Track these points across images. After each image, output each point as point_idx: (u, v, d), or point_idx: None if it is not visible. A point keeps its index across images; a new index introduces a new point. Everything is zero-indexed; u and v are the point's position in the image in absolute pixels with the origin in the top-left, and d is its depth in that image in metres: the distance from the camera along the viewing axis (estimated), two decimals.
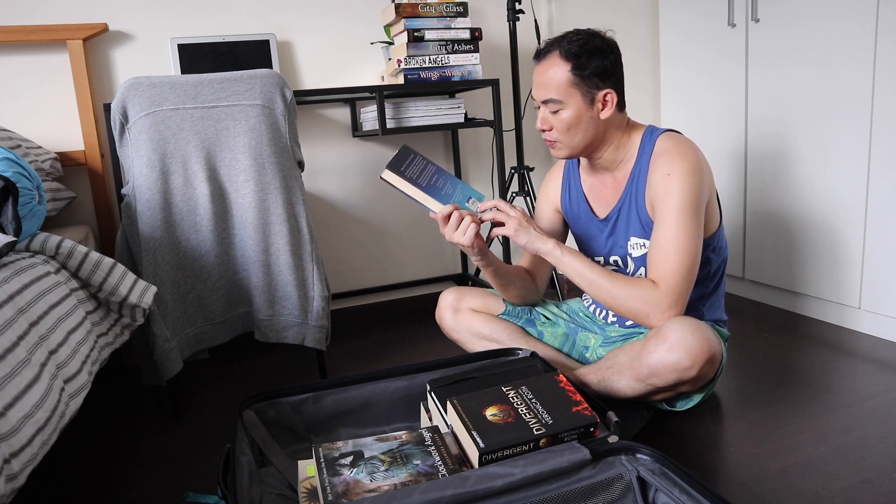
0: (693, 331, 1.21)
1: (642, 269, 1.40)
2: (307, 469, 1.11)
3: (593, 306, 1.55)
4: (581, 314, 1.57)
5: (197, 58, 2.00)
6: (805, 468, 1.18)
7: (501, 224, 1.34)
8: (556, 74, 1.31)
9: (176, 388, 1.63)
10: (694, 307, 1.42)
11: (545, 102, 1.33)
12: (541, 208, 1.59)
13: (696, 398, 1.34)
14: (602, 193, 1.45)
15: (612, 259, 1.45)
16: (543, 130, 1.36)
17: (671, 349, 1.21)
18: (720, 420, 1.40)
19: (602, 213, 1.45)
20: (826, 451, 1.23)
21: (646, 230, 1.36)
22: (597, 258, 1.48)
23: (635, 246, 1.39)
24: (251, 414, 1.24)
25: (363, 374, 1.33)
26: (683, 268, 1.25)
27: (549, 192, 1.57)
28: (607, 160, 1.40)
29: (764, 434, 1.32)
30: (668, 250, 1.26)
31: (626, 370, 1.29)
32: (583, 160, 1.49)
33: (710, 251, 1.40)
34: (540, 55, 1.35)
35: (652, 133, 1.36)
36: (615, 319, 1.48)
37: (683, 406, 1.36)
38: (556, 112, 1.32)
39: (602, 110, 1.33)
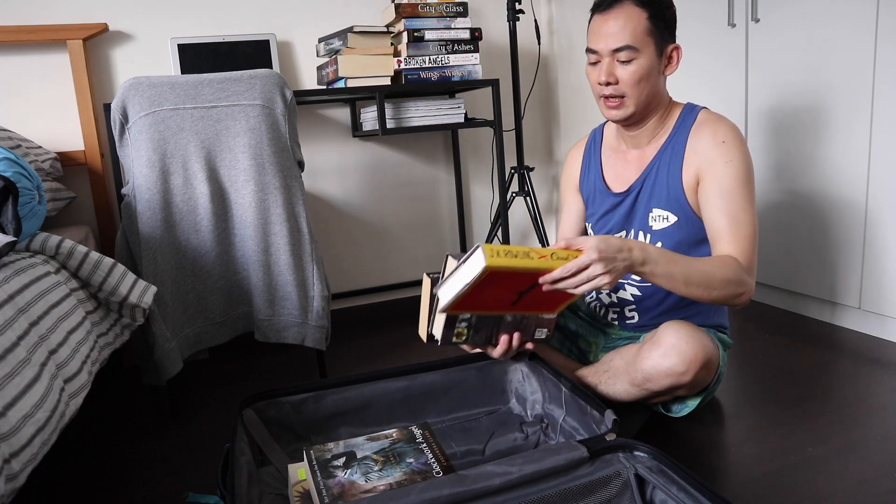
0: (688, 337, 1.20)
1: (660, 244, 1.36)
2: (297, 473, 1.10)
3: (595, 304, 1.54)
4: (581, 313, 1.56)
5: (197, 58, 2.00)
6: (805, 468, 1.18)
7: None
8: (633, 20, 1.23)
9: (176, 388, 1.63)
10: (697, 309, 1.41)
11: (618, 51, 1.24)
12: (565, 192, 1.55)
13: (692, 404, 1.33)
14: (623, 169, 1.41)
15: (633, 234, 1.41)
16: (606, 84, 1.27)
17: (665, 355, 1.21)
18: (720, 420, 1.40)
19: (620, 187, 1.41)
20: (826, 451, 1.23)
21: (670, 201, 1.32)
22: (618, 234, 1.43)
23: (657, 218, 1.35)
24: (251, 413, 1.25)
25: (363, 374, 1.33)
26: (755, 241, 1.23)
27: (571, 174, 1.53)
28: (646, 132, 1.35)
29: (764, 434, 1.32)
30: (744, 220, 1.22)
31: (621, 374, 1.29)
32: (610, 129, 1.46)
33: None
34: (607, 4, 1.26)
35: (692, 109, 1.34)
36: (615, 317, 1.47)
37: (679, 412, 1.35)
38: (627, 62, 1.24)
39: (668, 65, 1.30)
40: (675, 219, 1.33)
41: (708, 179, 1.26)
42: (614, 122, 1.35)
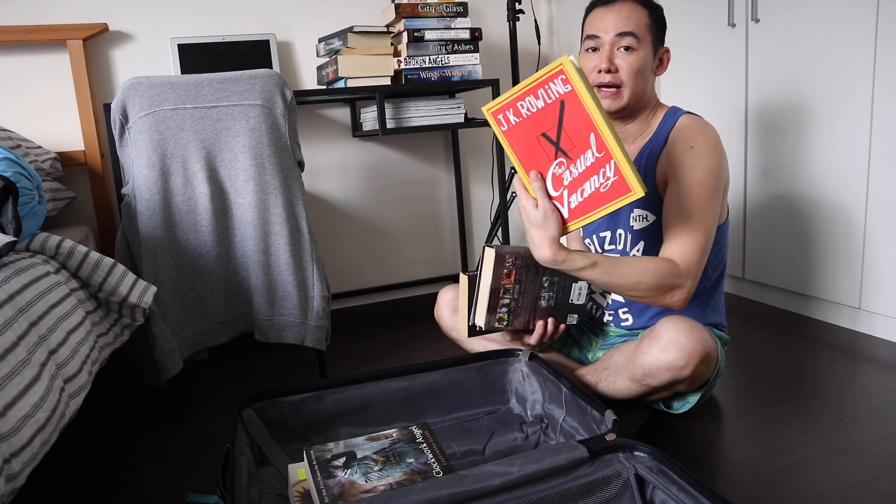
0: (686, 331, 1.21)
1: (641, 245, 1.37)
2: (297, 473, 1.10)
3: (591, 305, 1.54)
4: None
5: (197, 58, 2.00)
6: (805, 468, 1.18)
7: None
8: (637, 13, 1.27)
9: (176, 388, 1.63)
10: (693, 308, 1.41)
11: (622, 35, 1.26)
12: None
13: (693, 400, 1.33)
14: None
15: (617, 232, 1.42)
16: (607, 71, 1.27)
17: (664, 350, 1.21)
18: (720, 420, 1.40)
19: None
20: (826, 451, 1.23)
21: (649, 201, 1.33)
22: (602, 234, 1.45)
23: (637, 218, 1.36)
24: (251, 413, 1.25)
25: (363, 374, 1.33)
26: (703, 247, 1.21)
27: None
28: (631, 130, 1.37)
29: (764, 434, 1.32)
30: (695, 224, 1.21)
31: (621, 371, 1.29)
32: None
33: (714, 244, 1.39)
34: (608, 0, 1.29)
35: (675, 112, 1.35)
36: (610, 318, 1.48)
37: (680, 409, 1.36)
38: (628, 50, 1.27)
39: (658, 67, 1.32)
40: (654, 218, 1.35)
41: (671, 181, 1.27)
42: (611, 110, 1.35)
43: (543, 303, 1.30)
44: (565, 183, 1.09)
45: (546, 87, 1.05)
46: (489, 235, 2.34)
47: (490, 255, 1.22)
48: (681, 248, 1.20)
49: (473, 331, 1.30)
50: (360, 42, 1.99)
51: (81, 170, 2.00)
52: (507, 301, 1.26)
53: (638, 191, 1.03)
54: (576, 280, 1.31)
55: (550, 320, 1.33)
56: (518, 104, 1.07)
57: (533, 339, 1.34)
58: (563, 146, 1.07)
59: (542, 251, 1.12)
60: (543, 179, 1.11)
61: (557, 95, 1.04)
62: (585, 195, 1.08)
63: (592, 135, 1.04)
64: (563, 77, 1.03)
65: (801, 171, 1.93)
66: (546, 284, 1.29)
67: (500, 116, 1.09)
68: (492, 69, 2.47)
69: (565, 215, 1.11)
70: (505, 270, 1.22)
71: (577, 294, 1.33)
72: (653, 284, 1.16)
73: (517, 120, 1.08)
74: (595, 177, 1.06)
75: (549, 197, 1.12)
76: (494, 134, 1.10)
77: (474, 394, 1.39)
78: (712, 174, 1.24)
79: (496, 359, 1.41)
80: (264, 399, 1.26)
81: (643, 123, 1.36)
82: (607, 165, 1.04)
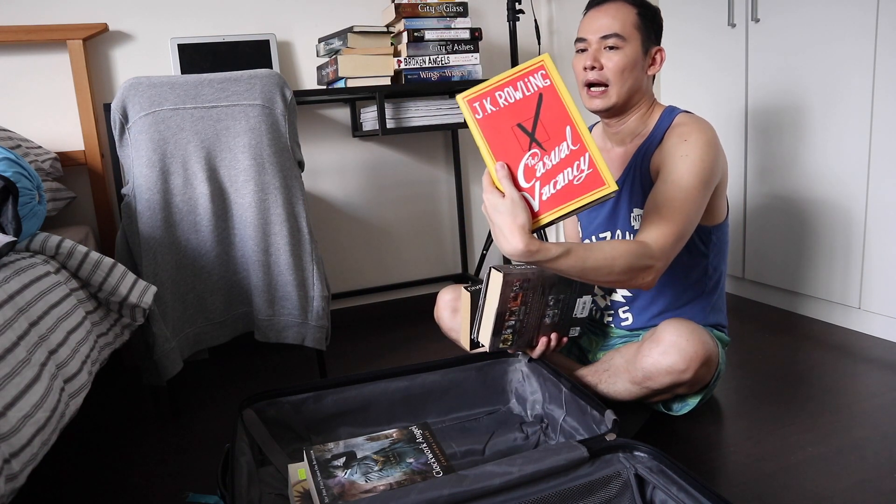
0: (688, 334, 1.21)
1: None
2: (297, 473, 1.10)
3: (591, 307, 1.54)
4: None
5: (197, 58, 2.00)
6: (805, 468, 1.18)
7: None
8: (623, 12, 1.29)
9: (176, 388, 1.63)
10: (693, 308, 1.41)
11: (606, 38, 1.28)
12: None
13: (693, 402, 1.33)
14: (609, 166, 1.42)
15: (617, 233, 1.42)
16: (591, 68, 1.30)
17: (665, 353, 1.21)
18: (720, 420, 1.40)
19: None
20: (826, 451, 1.23)
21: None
22: (602, 234, 1.45)
23: (637, 218, 1.37)
24: (251, 413, 1.25)
25: (363, 374, 1.33)
26: (680, 232, 1.19)
27: None
28: (628, 128, 1.37)
29: (764, 434, 1.32)
30: (677, 210, 1.19)
31: (622, 373, 1.29)
32: (597, 130, 1.48)
33: (713, 243, 1.39)
34: (600, 0, 1.33)
35: (672, 111, 1.36)
36: (610, 319, 1.48)
37: (679, 410, 1.35)
38: (613, 50, 1.28)
39: (651, 65, 1.33)
40: None
41: (661, 169, 1.27)
42: (596, 111, 1.35)
43: (548, 320, 1.31)
44: (538, 174, 1.08)
45: (526, 79, 1.08)
46: (489, 238, 2.34)
47: (497, 279, 1.20)
48: (657, 229, 1.18)
49: (476, 345, 1.31)
50: (360, 42, 1.99)
51: (81, 170, 2.00)
52: (513, 322, 1.26)
53: (611, 184, 1.04)
54: (580, 295, 1.32)
55: (554, 335, 1.33)
56: (496, 94, 1.10)
57: (535, 354, 1.35)
58: (539, 137, 1.08)
59: (513, 241, 1.02)
60: (511, 170, 1.09)
61: (536, 88, 1.08)
62: (558, 187, 1.07)
63: (568, 127, 1.07)
64: (544, 72, 1.07)
65: (801, 170, 1.93)
66: (552, 303, 1.29)
67: (476, 105, 1.11)
68: (492, 69, 2.47)
69: (536, 207, 1.08)
70: (512, 294, 1.21)
71: (581, 308, 1.34)
72: (626, 267, 1.12)
73: (493, 109, 1.10)
74: (569, 169, 1.07)
75: (519, 188, 1.08)
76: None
77: (474, 394, 1.39)
78: (703, 165, 1.23)
79: (496, 359, 1.41)
80: (264, 399, 1.26)
81: (639, 123, 1.37)
82: (582, 158, 1.06)
